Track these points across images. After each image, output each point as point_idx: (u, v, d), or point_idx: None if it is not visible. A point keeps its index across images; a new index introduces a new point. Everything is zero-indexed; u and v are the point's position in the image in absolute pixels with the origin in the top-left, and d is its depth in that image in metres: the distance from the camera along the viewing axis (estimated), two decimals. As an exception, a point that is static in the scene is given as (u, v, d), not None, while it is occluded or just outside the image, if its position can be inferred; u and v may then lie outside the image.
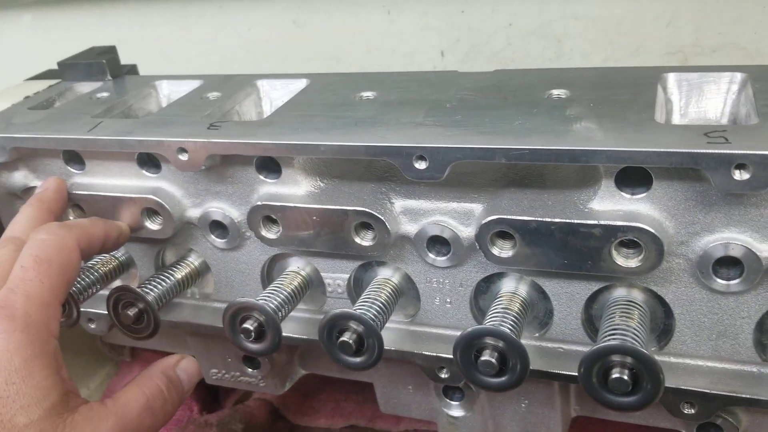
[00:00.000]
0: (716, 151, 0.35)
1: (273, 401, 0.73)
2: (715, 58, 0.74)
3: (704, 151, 0.35)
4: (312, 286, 0.51)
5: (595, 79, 0.47)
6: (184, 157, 0.47)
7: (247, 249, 0.52)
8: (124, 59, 0.96)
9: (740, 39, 0.73)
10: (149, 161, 0.51)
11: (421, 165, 0.41)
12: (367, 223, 0.45)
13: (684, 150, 0.35)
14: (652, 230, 0.37)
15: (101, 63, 0.63)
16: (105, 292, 0.52)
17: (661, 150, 0.36)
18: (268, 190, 0.48)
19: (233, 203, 0.50)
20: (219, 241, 0.52)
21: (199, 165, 0.47)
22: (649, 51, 0.76)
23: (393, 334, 0.49)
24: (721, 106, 0.45)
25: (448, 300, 0.47)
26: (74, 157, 0.53)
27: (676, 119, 0.46)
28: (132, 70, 0.67)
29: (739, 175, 0.35)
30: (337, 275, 0.50)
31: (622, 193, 0.40)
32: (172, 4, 0.97)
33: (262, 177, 0.48)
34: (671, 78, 0.46)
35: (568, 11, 0.78)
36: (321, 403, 0.74)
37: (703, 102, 0.46)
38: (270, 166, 0.48)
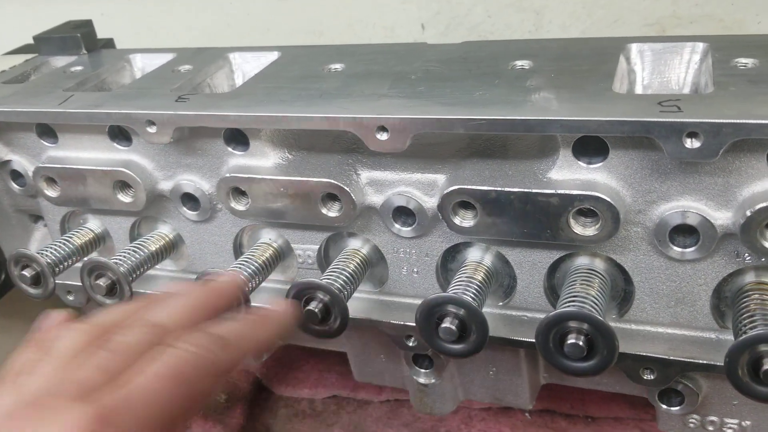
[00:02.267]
0: (667, 120, 0.35)
1: (256, 372, 0.74)
2: (693, 29, 0.74)
3: (656, 119, 0.35)
4: (283, 257, 0.52)
5: (560, 51, 0.47)
6: (152, 129, 0.47)
7: (219, 221, 0.52)
8: (106, 33, 0.96)
9: (717, 10, 0.73)
10: (120, 134, 0.52)
11: (382, 136, 0.41)
12: (333, 194, 0.45)
13: (636, 119, 0.36)
14: (608, 199, 0.38)
15: (76, 37, 0.63)
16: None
17: (614, 119, 0.36)
18: (237, 162, 0.49)
19: (203, 175, 0.51)
20: (191, 213, 0.52)
21: (167, 137, 0.47)
22: (628, 23, 0.76)
23: (362, 304, 0.50)
24: (683, 76, 0.46)
25: (415, 269, 0.48)
26: (47, 131, 0.54)
27: (639, 89, 0.47)
28: (108, 44, 0.67)
29: (691, 143, 0.35)
30: (307, 246, 0.51)
31: (580, 162, 0.40)
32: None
33: (230, 149, 0.49)
34: (634, 48, 0.47)
35: (546, -17, 0.78)
36: (304, 374, 0.75)
37: (665, 72, 0.46)
38: (238, 138, 0.48)
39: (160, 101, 0.48)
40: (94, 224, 0.57)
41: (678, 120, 0.35)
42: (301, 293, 0.44)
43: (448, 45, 0.52)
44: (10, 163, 0.56)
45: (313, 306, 0.43)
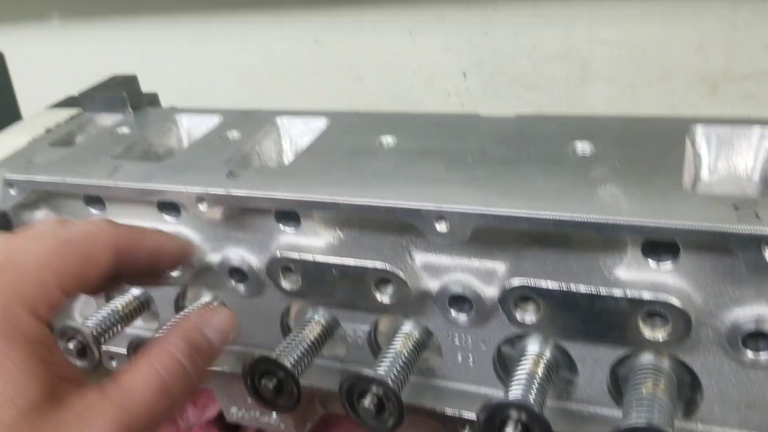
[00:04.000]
0: (746, 231, 0.34)
1: None
2: (746, 86, 0.72)
3: (734, 230, 0.34)
4: (332, 335, 0.51)
5: (621, 131, 0.46)
6: (203, 207, 0.47)
7: (267, 295, 0.51)
8: (147, 72, 0.96)
9: (772, 67, 0.71)
10: (169, 206, 0.51)
11: (442, 228, 0.40)
12: (386, 279, 0.44)
13: (713, 228, 0.34)
14: (680, 305, 0.36)
15: (122, 96, 0.62)
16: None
17: (689, 227, 0.35)
18: (287, 240, 0.48)
19: (252, 250, 0.50)
20: (238, 287, 0.51)
21: (217, 215, 0.47)
22: (677, 77, 0.75)
23: (413, 388, 0.49)
24: (752, 164, 0.44)
25: (471, 357, 0.47)
26: (95, 200, 0.53)
27: (705, 175, 0.45)
28: (153, 100, 0.66)
29: (771, 255, 0.34)
30: (357, 325, 0.50)
31: (649, 261, 0.39)
32: (194, 19, 0.96)
33: (281, 226, 0.48)
34: (699, 131, 0.45)
35: (593, 35, 0.76)
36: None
37: (733, 157, 0.45)
38: (289, 215, 0.47)
39: (211, 177, 0.48)
40: (137, 290, 0.57)
41: (757, 231, 0.34)
42: (353, 387, 0.43)
43: (501, 119, 0.51)
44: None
45: (366, 403, 0.42)
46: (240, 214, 0.48)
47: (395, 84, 0.89)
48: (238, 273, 0.51)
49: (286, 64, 0.94)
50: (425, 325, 0.47)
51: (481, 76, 0.84)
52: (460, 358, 0.47)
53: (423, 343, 0.47)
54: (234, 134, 0.55)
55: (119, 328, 0.54)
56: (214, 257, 0.51)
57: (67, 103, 0.69)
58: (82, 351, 0.52)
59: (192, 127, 0.61)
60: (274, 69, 0.95)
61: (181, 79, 1.01)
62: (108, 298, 0.58)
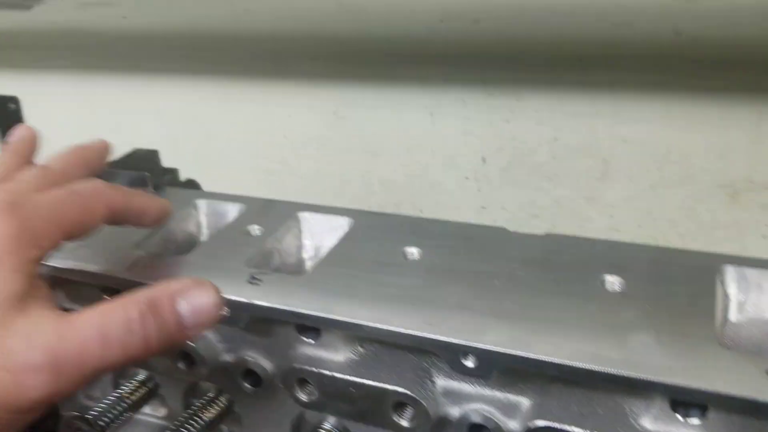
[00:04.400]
0: None
1: None
2: (766, 195, 0.72)
3: (765, 400, 0.33)
4: (346, 443, 0.50)
5: (651, 265, 0.45)
6: (224, 311, 0.46)
7: (279, 399, 0.50)
8: (167, 132, 0.97)
9: (794, 179, 0.71)
10: (186, 303, 0.50)
11: (468, 363, 0.40)
12: (406, 402, 0.43)
13: (746, 396, 0.34)
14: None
15: (144, 176, 0.62)
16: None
17: (719, 392, 0.34)
18: (306, 351, 0.47)
19: (269, 355, 0.49)
20: (251, 389, 0.50)
21: (241, 324, 0.46)
22: (698, 181, 0.74)
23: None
24: None
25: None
26: (114, 290, 0.52)
27: (733, 315, 0.45)
28: (173, 178, 0.66)
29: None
30: (369, 439, 0.49)
31: (677, 414, 0.38)
32: (215, 83, 0.97)
33: (300, 336, 0.47)
34: (730, 272, 0.45)
35: (616, 132, 0.76)
36: None
37: (762, 300, 0.44)
38: (310, 327, 0.47)
39: (232, 281, 0.47)
40: (144, 376, 0.56)
41: None
42: None
43: (529, 237, 0.50)
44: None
45: None
46: (260, 320, 0.48)
47: (412, 162, 0.89)
48: (252, 376, 0.50)
49: (305, 133, 0.94)
50: (441, 448, 0.46)
51: (501, 163, 0.84)
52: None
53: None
54: (255, 229, 0.54)
55: (126, 416, 0.54)
56: (228, 357, 0.50)
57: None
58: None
59: (212, 215, 0.60)
60: (293, 137, 0.95)
61: (199, 140, 1.01)
62: (115, 385, 0.57)
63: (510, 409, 0.43)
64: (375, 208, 0.91)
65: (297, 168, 0.96)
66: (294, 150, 0.95)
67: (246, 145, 0.98)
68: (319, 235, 0.56)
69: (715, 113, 0.71)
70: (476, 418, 0.43)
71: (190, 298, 0.39)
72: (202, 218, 0.60)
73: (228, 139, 0.99)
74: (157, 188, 0.63)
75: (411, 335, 0.41)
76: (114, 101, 1.04)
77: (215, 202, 0.60)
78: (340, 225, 0.55)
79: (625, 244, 0.48)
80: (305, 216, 0.57)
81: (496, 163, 0.84)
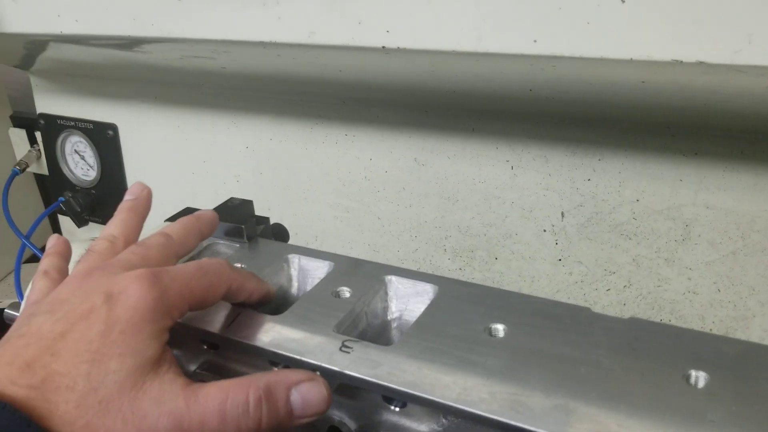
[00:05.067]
0: None
1: None
2: None
3: None
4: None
5: (737, 361, 0.46)
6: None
7: (361, 460, 0.53)
8: (254, 167, 1.01)
9: None
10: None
11: (550, 461, 0.41)
12: (485, 478, 0.45)
13: None
14: None
15: (240, 228, 0.66)
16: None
17: None
18: (390, 418, 0.49)
19: (353, 416, 0.51)
20: (335, 448, 0.53)
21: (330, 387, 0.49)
22: (783, 252, 0.74)
23: None
24: None
25: None
26: (213, 344, 0.56)
27: None
28: (265, 230, 0.69)
29: None
30: (447, 506, 0.50)
31: None
32: (300, 124, 1.01)
33: (385, 402, 0.49)
34: None
35: (699, 198, 0.76)
36: None
37: None
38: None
39: (325, 347, 0.50)
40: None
41: None
42: None
43: (613, 319, 0.51)
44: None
45: None
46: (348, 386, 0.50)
47: (489, 211, 0.90)
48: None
49: (384, 178, 0.97)
50: None
51: (580, 219, 0.84)
52: None
53: None
54: (345, 292, 0.57)
55: None
56: (315, 415, 0.53)
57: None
58: None
59: (303, 268, 0.63)
60: (374, 180, 0.98)
61: (282, 177, 1.05)
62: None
63: (589, 496, 0.44)
64: (450, 252, 0.93)
65: (375, 208, 0.99)
66: (373, 191, 0.98)
67: (327, 184, 1.01)
68: (404, 299, 0.59)
69: (804, 186, 0.71)
70: (553, 500, 0.44)
71: (303, 391, 0.44)
72: (293, 272, 0.64)
73: (310, 177, 1.02)
74: (250, 239, 0.67)
75: (494, 420, 0.43)
76: (205, 135, 1.09)
77: (307, 258, 0.63)
78: (426, 291, 0.57)
79: (712, 335, 0.49)
80: (392, 279, 0.59)
81: (575, 219, 0.85)
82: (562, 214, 0.85)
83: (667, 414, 0.42)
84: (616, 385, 0.45)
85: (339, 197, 1.02)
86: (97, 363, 0.39)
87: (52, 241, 0.57)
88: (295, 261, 0.64)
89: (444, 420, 0.48)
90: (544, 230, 0.87)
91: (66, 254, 0.55)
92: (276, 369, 0.47)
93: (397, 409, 0.49)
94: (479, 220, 0.92)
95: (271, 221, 0.72)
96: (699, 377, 0.45)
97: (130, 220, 0.55)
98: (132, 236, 0.54)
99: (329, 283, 0.59)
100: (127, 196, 0.57)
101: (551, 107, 0.78)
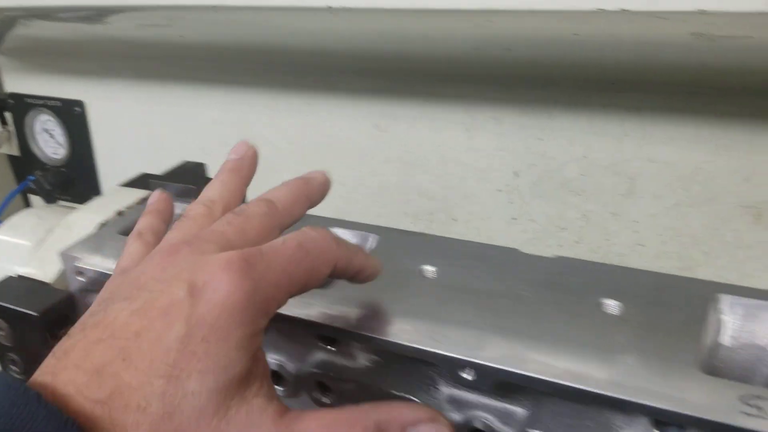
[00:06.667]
0: (747, 426, 0.36)
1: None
2: (792, 218, 0.73)
3: (736, 424, 0.36)
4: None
5: (651, 291, 0.48)
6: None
7: (303, 398, 0.55)
8: (220, 138, 1.03)
9: (819, 202, 0.72)
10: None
11: (467, 376, 0.43)
12: (413, 409, 0.47)
13: (715, 419, 0.37)
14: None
15: (191, 189, 0.67)
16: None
17: (692, 415, 0.37)
18: (325, 357, 0.51)
19: (291, 359, 0.53)
20: (278, 389, 0.55)
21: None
22: (722, 202, 0.76)
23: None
24: None
25: (486, 486, 0.49)
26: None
27: (726, 340, 0.47)
28: (216, 186, 0.71)
29: (772, 456, 0.35)
30: (383, 440, 0.53)
31: (657, 430, 0.41)
32: (263, 94, 1.02)
33: (319, 343, 0.51)
34: (726, 301, 0.47)
35: (643, 152, 0.78)
36: None
37: (755, 327, 0.47)
38: (329, 335, 0.51)
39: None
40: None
41: (758, 427, 0.35)
42: None
43: (540, 259, 0.53)
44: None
45: None
46: (282, 324, 0.52)
47: (448, 174, 0.92)
48: (276, 377, 0.55)
49: (347, 145, 0.98)
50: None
51: (531, 177, 0.86)
52: (478, 488, 0.50)
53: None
54: (288, 241, 0.59)
55: None
56: (258, 359, 0.55)
57: (139, 183, 0.75)
58: None
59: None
60: (336, 148, 1.00)
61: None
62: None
63: (507, 417, 0.46)
64: (411, 216, 0.95)
65: (340, 176, 1.01)
66: (337, 159, 1.00)
67: (292, 154, 1.03)
68: (346, 248, 0.61)
69: (742, 137, 0.73)
70: (477, 424, 0.47)
71: (423, 430, 0.36)
72: (242, 228, 0.65)
73: (276, 147, 1.04)
74: (202, 198, 0.68)
75: (416, 348, 0.45)
76: (172, 108, 1.11)
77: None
78: (368, 240, 0.59)
79: (631, 269, 0.51)
80: (336, 231, 0.61)
81: (527, 178, 0.87)
82: (515, 173, 0.88)
83: (577, 337, 0.44)
84: (533, 314, 0.47)
85: (303, 165, 1.03)
86: (174, 380, 0.32)
87: (153, 197, 0.50)
88: (244, 217, 0.65)
89: (376, 357, 0.50)
90: (499, 190, 0.89)
91: (166, 214, 0.49)
92: (390, 402, 0.38)
93: (332, 349, 0.51)
94: (438, 183, 0.94)
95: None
96: (613, 306, 0.47)
97: (232, 182, 0.47)
98: (233, 201, 0.46)
99: (273, 234, 0.61)
100: (231, 156, 0.50)
101: (501, 69, 0.80)
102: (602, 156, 0.81)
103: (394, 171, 0.97)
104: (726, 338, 0.47)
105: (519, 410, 0.46)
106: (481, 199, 0.91)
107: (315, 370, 0.50)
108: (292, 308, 0.50)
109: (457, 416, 0.48)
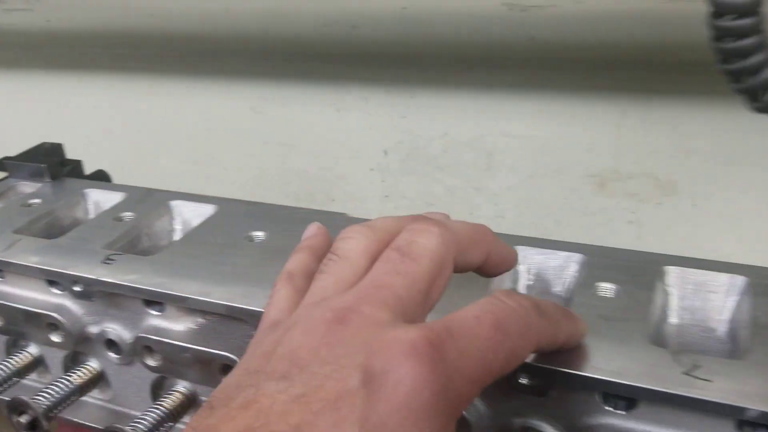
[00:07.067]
0: (688, 394, 0.37)
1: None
2: (631, 184, 0.78)
3: (674, 392, 0.37)
4: (194, 404, 0.56)
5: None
6: (78, 288, 0.52)
7: (138, 366, 0.56)
8: (97, 125, 1.02)
9: (654, 169, 0.77)
10: (55, 281, 0.56)
11: (269, 329, 0.46)
12: (230, 365, 0.49)
13: (652, 387, 0.37)
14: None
15: (42, 167, 0.68)
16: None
17: (610, 380, 0.38)
18: (152, 322, 0.53)
19: (125, 326, 0.55)
20: (113, 357, 0.56)
21: (90, 297, 0.52)
22: (570, 172, 0.80)
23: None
24: (719, 314, 0.47)
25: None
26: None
27: (673, 315, 0.48)
28: (74, 169, 0.72)
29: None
30: (214, 400, 0.55)
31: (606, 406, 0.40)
32: (143, 80, 1.03)
33: (147, 309, 0.53)
34: (672, 273, 0.48)
35: (498, 128, 0.82)
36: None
37: (700, 301, 0.48)
38: (154, 301, 0.53)
39: (89, 260, 0.53)
40: (33, 349, 0.62)
41: (696, 395, 0.36)
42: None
43: (364, 220, 0.56)
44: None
45: None
46: (114, 295, 0.54)
47: (323, 154, 0.95)
48: (112, 345, 0.56)
49: (226, 128, 1.00)
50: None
51: (400, 155, 0.89)
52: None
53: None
54: (128, 215, 0.60)
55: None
56: (93, 329, 0.56)
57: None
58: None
59: (100, 201, 0.66)
60: (217, 131, 1.01)
61: (131, 134, 1.07)
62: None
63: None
64: (293, 198, 0.97)
65: (221, 159, 1.02)
66: (218, 143, 1.01)
67: (173, 138, 1.04)
68: (190, 221, 0.62)
69: (582, 110, 0.77)
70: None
71: None
72: (90, 206, 0.66)
73: (157, 132, 1.05)
74: (55, 178, 0.69)
75: (226, 305, 0.47)
76: (50, 98, 1.10)
77: (101, 191, 0.66)
78: (207, 212, 0.61)
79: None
80: (177, 204, 0.63)
81: (396, 156, 0.90)
82: (385, 152, 0.90)
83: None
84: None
85: (186, 150, 1.04)
86: None
87: (309, 231, 0.44)
88: (92, 194, 0.66)
89: (200, 319, 0.52)
90: (371, 169, 0.92)
91: (321, 251, 0.41)
92: None
93: (157, 313, 0.53)
94: (315, 164, 0.96)
95: (124, 180, 0.72)
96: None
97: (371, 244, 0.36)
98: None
99: (115, 210, 0.62)
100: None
101: (368, 47, 0.83)
102: (462, 132, 0.84)
103: (272, 153, 0.98)
104: (672, 313, 0.48)
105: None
106: (356, 178, 0.94)
107: (142, 336, 0.52)
108: (117, 275, 0.51)
109: (274, 372, 0.50)
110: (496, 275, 0.40)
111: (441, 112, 0.85)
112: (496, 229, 0.41)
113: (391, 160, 0.90)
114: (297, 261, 0.41)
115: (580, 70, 0.76)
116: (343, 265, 0.35)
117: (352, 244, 0.36)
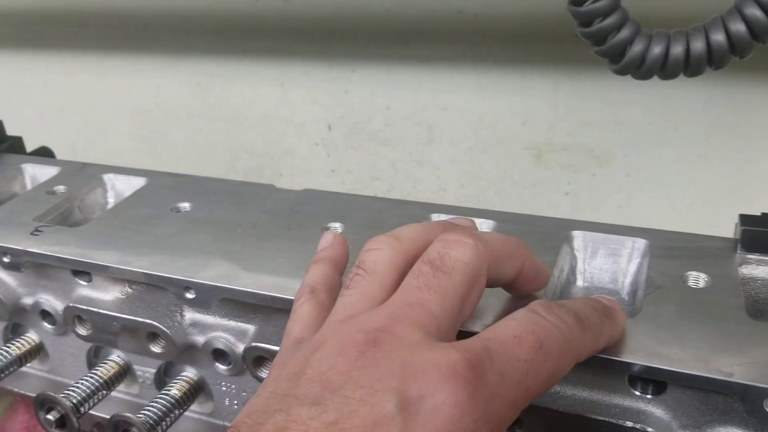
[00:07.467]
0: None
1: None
2: (566, 155, 0.80)
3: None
4: (128, 374, 0.57)
5: (374, 214, 0.53)
6: (7, 259, 0.53)
7: (73, 336, 0.57)
8: (47, 103, 1.02)
9: (588, 141, 0.79)
10: (-13, 253, 0.57)
11: (189, 295, 0.47)
12: (156, 333, 0.51)
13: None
14: None
15: (-22, 146, 0.68)
16: None
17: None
18: (81, 292, 0.54)
19: (57, 297, 0.56)
20: (49, 327, 0.57)
21: (19, 268, 0.53)
22: (508, 145, 0.82)
23: (192, 424, 0.55)
24: (624, 269, 0.49)
25: (236, 402, 0.53)
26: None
27: (579, 278, 0.50)
28: (13, 145, 0.72)
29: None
30: (146, 368, 0.56)
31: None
32: (91, 57, 1.02)
33: (76, 279, 0.54)
34: (578, 237, 0.50)
35: (437, 101, 0.83)
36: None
37: (605, 262, 0.49)
38: (82, 271, 0.53)
39: (18, 232, 0.54)
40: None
41: None
42: (117, 425, 0.49)
43: (290, 192, 0.57)
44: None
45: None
46: (44, 266, 0.54)
47: (269, 130, 0.95)
48: (47, 316, 0.57)
49: (173, 104, 1.00)
50: (201, 374, 0.54)
51: (343, 130, 0.90)
52: (227, 402, 0.53)
53: (197, 389, 0.54)
54: (61, 189, 0.61)
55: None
56: (28, 300, 0.57)
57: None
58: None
59: (36, 175, 0.66)
60: (163, 107, 1.01)
61: (82, 111, 1.07)
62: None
63: (240, 335, 0.50)
64: (242, 173, 0.97)
65: (169, 136, 1.02)
66: (165, 119, 1.01)
67: (123, 115, 1.04)
68: (122, 193, 0.63)
69: (518, 83, 0.79)
70: (217, 344, 0.50)
71: None
72: (27, 181, 0.67)
73: (107, 109, 1.04)
74: (-8, 154, 0.69)
75: (145, 273, 0.48)
76: (3, 76, 1.09)
77: (37, 165, 0.66)
78: (139, 184, 0.62)
79: (365, 197, 0.56)
80: (110, 177, 0.63)
81: (340, 131, 0.91)
82: (329, 126, 0.91)
83: (300, 252, 0.48)
84: (263, 236, 0.51)
85: (135, 127, 1.05)
86: None
87: (326, 240, 0.41)
88: (28, 169, 0.67)
89: (128, 289, 0.53)
90: (317, 144, 0.93)
91: (341, 263, 0.40)
92: None
93: (85, 283, 0.54)
94: (262, 139, 0.97)
95: (76, 158, 0.72)
96: (336, 227, 0.51)
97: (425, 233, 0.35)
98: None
99: (48, 184, 0.63)
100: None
101: (303, 21, 0.84)
102: (402, 106, 0.85)
103: (219, 129, 0.99)
104: (579, 275, 0.50)
105: (250, 327, 0.50)
106: (302, 153, 0.95)
107: (71, 305, 0.53)
108: (43, 245, 0.52)
109: (200, 339, 0.51)
110: (526, 293, 0.39)
111: (382, 87, 0.86)
112: (439, 203, 0.42)
113: (335, 135, 0.91)
114: (317, 273, 0.38)
115: (513, 43, 0.77)
116: (370, 280, 0.33)
117: (379, 257, 0.34)
